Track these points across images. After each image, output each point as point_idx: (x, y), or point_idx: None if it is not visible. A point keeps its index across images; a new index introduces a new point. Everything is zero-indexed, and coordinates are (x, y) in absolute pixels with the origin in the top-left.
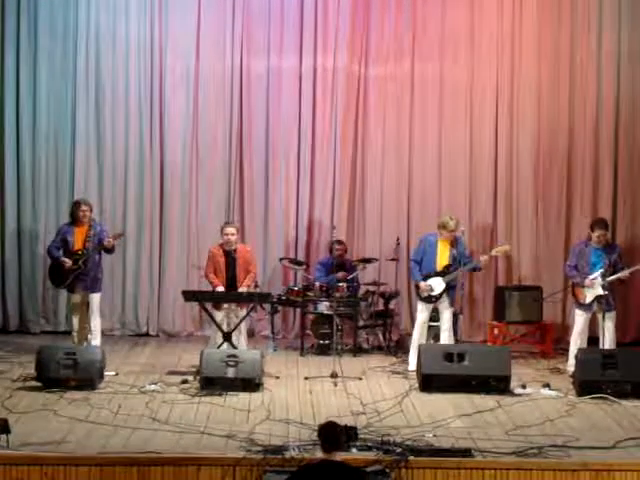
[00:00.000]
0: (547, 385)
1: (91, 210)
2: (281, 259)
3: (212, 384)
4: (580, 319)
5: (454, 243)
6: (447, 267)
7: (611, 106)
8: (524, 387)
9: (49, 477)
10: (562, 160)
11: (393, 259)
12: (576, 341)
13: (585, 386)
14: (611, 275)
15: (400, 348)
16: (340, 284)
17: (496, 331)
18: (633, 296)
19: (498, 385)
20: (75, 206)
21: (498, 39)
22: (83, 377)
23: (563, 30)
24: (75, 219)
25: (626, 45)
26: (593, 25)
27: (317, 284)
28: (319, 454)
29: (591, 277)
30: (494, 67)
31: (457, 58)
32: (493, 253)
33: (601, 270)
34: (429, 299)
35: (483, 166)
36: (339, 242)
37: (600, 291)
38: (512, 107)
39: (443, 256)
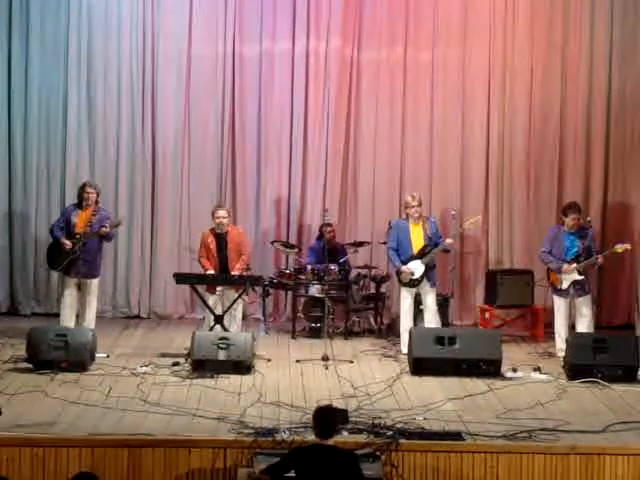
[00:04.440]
0: (538, 369)
1: (98, 194)
2: (273, 242)
3: (203, 366)
4: (560, 306)
5: (425, 225)
6: (423, 248)
7: (603, 93)
8: (515, 371)
9: (40, 458)
10: (554, 146)
11: (384, 243)
12: (560, 326)
13: (576, 370)
14: (586, 259)
15: (391, 331)
16: (332, 267)
17: (487, 315)
18: (622, 279)
19: (489, 368)
20: (81, 188)
21: (491, 24)
22: (74, 359)
23: (556, 17)
24: (81, 201)
25: (618, 32)
26: (586, 12)
27: (309, 267)
28: (310, 437)
29: (567, 265)
30: (487, 53)
31: (450, 44)
32: (465, 226)
33: (576, 264)
34: (411, 283)
35: (475, 151)
36: (329, 224)
37: (576, 276)
38: (504, 94)
39: (418, 239)
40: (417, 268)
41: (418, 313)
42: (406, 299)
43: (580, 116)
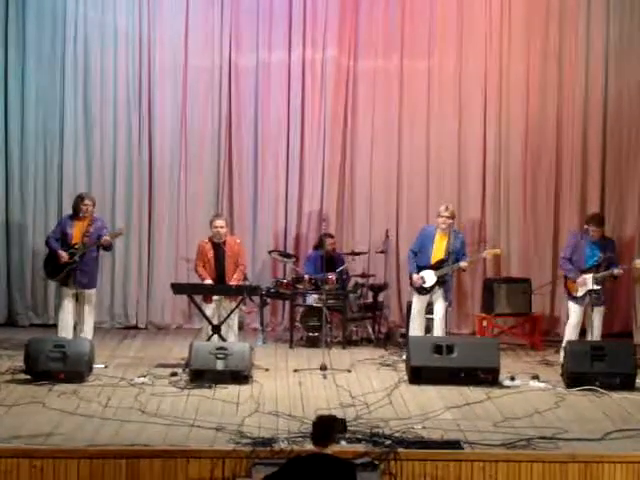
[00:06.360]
0: (536, 377)
1: (94, 205)
2: (270, 252)
3: (201, 376)
4: (574, 313)
5: (451, 238)
6: (440, 261)
7: (599, 101)
8: (513, 379)
9: (38, 470)
10: (550, 154)
11: (382, 252)
12: (570, 333)
13: (574, 378)
14: (605, 270)
15: (389, 340)
16: (330, 276)
17: (485, 323)
18: (621, 288)
19: (487, 377)
20: (78, 199)
21: (487, 33)
22: (72, 370)
23: (551, 25)
24: (76, 212)
25: (614, 40)
26: (582, 20)
27: (306, 277)
28: (308, 446)
29: (583, 277)
30: (483, 61)
31: (446, 52)
32: (484, 255)
33: (593, 274)
34: (421, 290)
35: (472, 160)
36: (330, 236)
37: (592, 285)
38: (500, 102)
39: (439, 250)
40: (429, 278)
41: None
42: (415, 304)
43: (576, 124)
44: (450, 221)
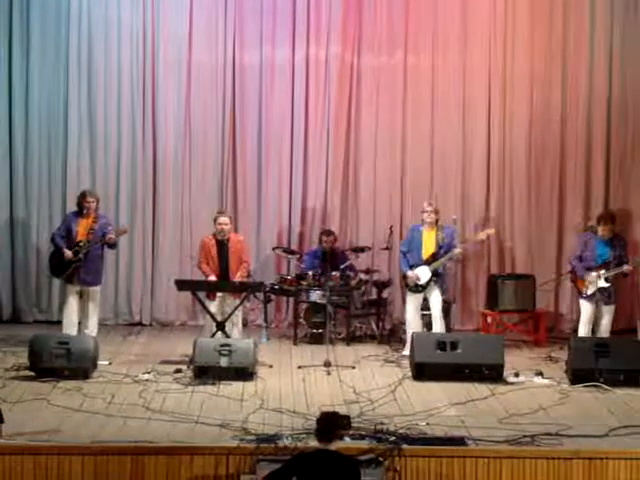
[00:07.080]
0: (540, 373)
1: (97, 202)
2: (274, 248)
3: (205, 373)
4: (586, 310)
5: (439, 232)
6: (433, 256)
7: (603, 97)
8: (517, 375)
9: (42, 467)
10: (555, 150)
11: (386, 248)
12: (583, 330)
13: (578, 374)
14: (615, 268)
15: (393, 337)
16: (334, 273)
17: (489, 319)
18: (625, 284)
19: (491, 373)
20: (81, 197)
21: (491, 29)
22: (76, 366)
23: (556, 23)
24: (80, 210)
25: (618, 35)
26: (586, 15)
27: (310, 273)
28: (312, 443)
29: (594, 274)
30: (487, 58)
31: (450, 49)
32: (478, 237)
33: (604, 272)
34: (416, 288)
35: (476, 156)
36: (327, 233)
37: (603, 283)
38: (505, 98)
39: (429, 245)
40: (424, 274)
41: (422, 317)
42: (411, 303)
43: (580, 120)
44: (435, 215)
